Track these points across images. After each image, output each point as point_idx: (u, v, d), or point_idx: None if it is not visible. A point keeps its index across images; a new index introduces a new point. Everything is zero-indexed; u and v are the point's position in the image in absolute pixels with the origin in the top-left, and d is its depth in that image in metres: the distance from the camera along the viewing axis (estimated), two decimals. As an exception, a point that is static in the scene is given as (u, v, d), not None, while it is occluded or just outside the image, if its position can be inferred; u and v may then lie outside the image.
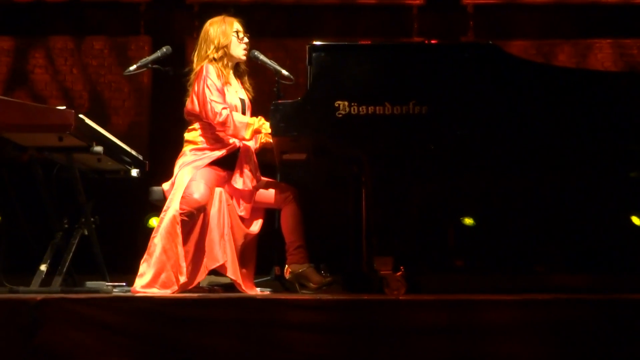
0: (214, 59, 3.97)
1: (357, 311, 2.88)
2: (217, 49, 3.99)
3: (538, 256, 6.39)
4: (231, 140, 3.97)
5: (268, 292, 4.13)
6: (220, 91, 3.92)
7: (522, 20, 7.45)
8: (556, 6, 7.43)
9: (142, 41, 7.27)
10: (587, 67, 7.21)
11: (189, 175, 3.85)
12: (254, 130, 3.90)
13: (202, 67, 3.94)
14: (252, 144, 4.04)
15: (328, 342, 2.80)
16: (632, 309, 2.89)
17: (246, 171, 3.96)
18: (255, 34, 4.18)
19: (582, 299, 2.99)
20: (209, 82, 3.90)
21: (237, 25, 4.05)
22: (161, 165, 4.45)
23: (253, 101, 4.16)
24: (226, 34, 4.00)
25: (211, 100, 3.88)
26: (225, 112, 3.86)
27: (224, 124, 3.87)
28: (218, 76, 3.94)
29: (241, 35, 4.04)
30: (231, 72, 4.07)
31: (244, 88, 4.14)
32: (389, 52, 3.67)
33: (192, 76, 4.00)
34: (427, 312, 2.86)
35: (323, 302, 2.94)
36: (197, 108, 3.95)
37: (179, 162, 3.96)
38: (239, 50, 4.04)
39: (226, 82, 3.98)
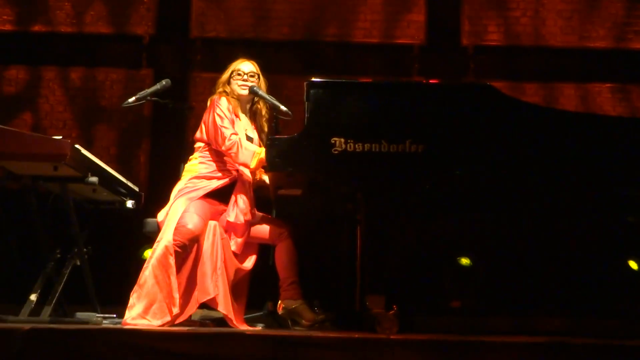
0: (224, 92, 4.12)
1: (347, 349, 2.85)
2: (219, 85, 4.16)
3: (535, 299, 6.33)
4: (234, 169, 3.99)
5: (259, 328, 4.10)
6: (230, 120, 3.97)
7: (523, 62, 7.49)
8: (557, 50, 7.47)
9: (143, 74, 7.30)
10: (586, 110, 7.23)
11: (183, 206, 3.85)
12: (260, 160, 3.87)
13: (213, 98, 4.07)
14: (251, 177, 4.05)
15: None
16: (630, 354, 2.85)
17: (240, 205, 3.96)
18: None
19: (579, 343, 2.96)
20: (218, 110, 3.99)
21: (239, 65, 4.18)
22: (158, 197, 4.44)
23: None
24: (227, 71, 4.17)
25: (221, 126, 3.94)
26: (234, 138, 3.90)
27: (231, 148, 3.90)
28: (228, 108, 4.03)
29: (241, 73, 4.12)
30: (242, 108, 4.16)
31: (256, 128, 4.18)
32: (386, 90, 3.69)
33: None
34: (419, 352, 2.82)
35: (313, 339, 2.90)
36: (205, 136, 4.01)
37: (175, 191, 3.99)
38: (235, 86, 4.15)
39: (236, 115, 4.05)
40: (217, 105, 4.01)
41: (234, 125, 4.00)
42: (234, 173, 4.01)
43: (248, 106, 4.21)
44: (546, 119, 3.69)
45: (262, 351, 2.82)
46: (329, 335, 3.08)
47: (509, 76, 7.40)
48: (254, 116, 4.23)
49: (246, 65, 4.19)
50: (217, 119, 3.96)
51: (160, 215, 3.93)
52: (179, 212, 3.83)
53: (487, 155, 3.57)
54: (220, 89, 4.13)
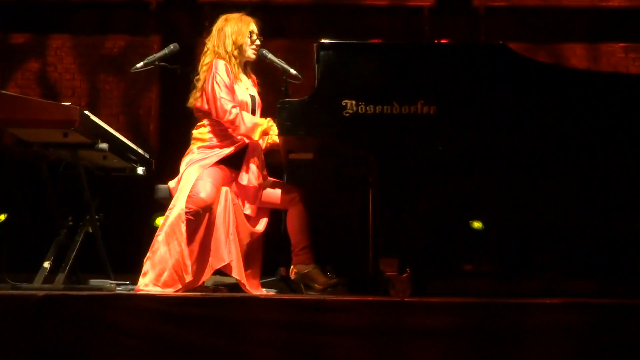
0: (227, 55, 3.94)
1: (360, 312, 2.85)
2: (232, 46, 3.96)
3: (548, 262, 6.31)
4: (239, 137, 3.95)
5: (273, 293, 4.10)
6: (230, 88, 3.89)
7: (535, 23, 7.40)
8: (570, 9, 7.37)
9: (151, 40, 7.26)
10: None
11: (196, 173, 3.82)
12: (263, 131, 3.88)
13: (211, 64, 3.92)
14: (260, 142, 4.01)
15: (330, 342, 2.77)
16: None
17: (252, 168, 3.93)
18: (266, 34, 4.16)
19: (593, 303, 2.95)
20: (217, 78, 3.87)
21: (252, 26, 4.04)
22: (168, 163, 4.43)
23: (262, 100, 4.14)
24: (242, 33, 3.98)
25: (221, 97, 3.85)
26: (234, 111, 3.83)
27: (232, 122, 3.84)
28: (227, 72, 3.90)
29: (254, 37, 4.02)
30: (241, 69, 4.06)
31: (254, 83, 4.12)
32: (397, 52, 3.63)
33: (201, 71, 3.96)
34: (432, 315, 2.82)
35: (326, 303, 2.90)
36: (205, 105, 3.92)
37: (186, 160, 3.93)
38: (250, 51, 4.02)
39: (236, 79, 3.96)
40: (216, 72, 3.87)
41: (234, 92, 3.90)
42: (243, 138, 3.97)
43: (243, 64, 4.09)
44: (564, 79, 3.62)
45: (276, 315, 2.83)
46: (342, 298, 3.08)
47: (520, 37, 7.30)
48: (250, 70, 4.13)
49: (254, 26, 4.04)
50: (217, 89, 3.85)
51: (172, 183, 3.91)
52: (192, 179, 3.79)
53: (501, 116, 3.52)
54: (230, 51, 3.94)
